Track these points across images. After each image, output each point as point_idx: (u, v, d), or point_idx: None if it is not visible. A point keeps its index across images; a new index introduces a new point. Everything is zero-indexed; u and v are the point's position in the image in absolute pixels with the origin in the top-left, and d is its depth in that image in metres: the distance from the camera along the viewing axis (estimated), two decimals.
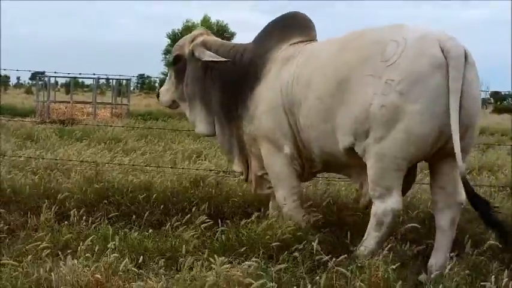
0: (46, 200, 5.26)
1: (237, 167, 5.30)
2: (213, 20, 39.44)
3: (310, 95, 4.41)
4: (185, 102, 5.39)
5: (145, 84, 52.07)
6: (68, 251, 4.00)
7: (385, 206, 4.11)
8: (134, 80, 32.75)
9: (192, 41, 5.30)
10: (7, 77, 73.00)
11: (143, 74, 51.55)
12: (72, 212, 5.01)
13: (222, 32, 36.95)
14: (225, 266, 3.53)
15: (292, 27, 4.99)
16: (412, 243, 4.41)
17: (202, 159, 5.93)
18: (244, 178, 5.34)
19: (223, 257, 3.68)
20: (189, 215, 4.94)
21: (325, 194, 5.63)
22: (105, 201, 5.48)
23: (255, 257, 3.93)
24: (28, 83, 72.63)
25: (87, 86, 35.57)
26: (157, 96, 5.69)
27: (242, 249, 4.21)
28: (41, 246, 4.06)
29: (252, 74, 4.91)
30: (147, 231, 4.57)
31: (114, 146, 9.31)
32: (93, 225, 4.70)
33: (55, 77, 22.86)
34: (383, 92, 3.95)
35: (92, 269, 3.52)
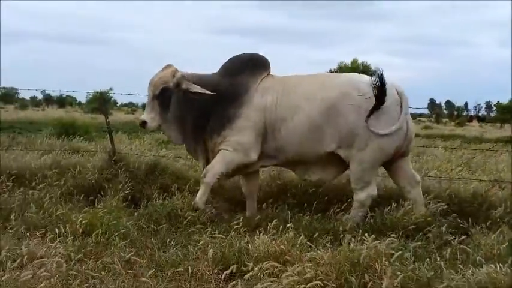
0: (240, 192, 6.85)
1: (201, 163, 6.54)
2: (360, 61, 43.21)
3: (299, 114, 6.08)
4: (166, 124, 6.38)
5: None
6: (260, 229, 5.25)
7: (366, 193, 6.03)
8: None
9: (174, 75, 6.32)
10: None
11: None
12: (260, 200, 6.60)
13: (367, 70, 40.46)
14: (373, 242, 4.33)
15: (260, 65, 6.47)
16: None
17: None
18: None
19: (372, 235, 4.56)
20: (345, 204, 6.25)
21: (448, 189, 6.69)
22: (285, 193, 6.87)
23: (396, 236, 5.02)
24: None
25: None
26: (143, 124, 6.36)
27: (386, 230, 5.42)
28: (241, 225, 5.38)
29: (233, 99, 6.24)
30: (315, 215, 5.91)
31: None
32: (277, 211, 6.16)
33: None
34: (364, 117, 5.85)
35: (277, 242, 4.58)
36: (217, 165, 6.25)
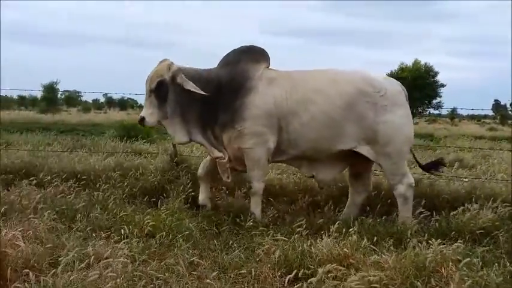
0: (301, 194, 6.85)
1: (216, 153, 6.32)
2: (422, 62, 42.81)
3: (312, 108, 6.04)
4: (166, 119, 6.25)
5: None
6: (322, 232, 5.22)
7: (405, 185, 6.08)
8: None
9: (169, 68, 6.19)
10: None
11: None
12: (323, 203, 6.61)
13: (428, 71, 42.15)
14: (439, 246, 4.27)
15: (259, 55, 6.38)
16: None
17: (416, 167, 6.96)
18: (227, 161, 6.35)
19: (438, 240, 4.46)
20: None
21: None
22: (347, 196, 6.70)
23: (462, 241, 4.91)
24: None
25: None
26: (142, 120, 6.26)
27: (452, 234, 5.34)
28: (303, 227, 5.34)
29: (236, 88, 6.14)
30: (378, 218, 5.86)
31: None
32: (338, 213, 6.14)
33: None
34: (381, 113, 6.02)
35: (340, 245, 4.55)
36: (254, 172, 6.21)
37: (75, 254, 4.16)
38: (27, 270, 3.94)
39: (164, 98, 6.18)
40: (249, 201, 6.41)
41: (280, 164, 7.49)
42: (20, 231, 4.59)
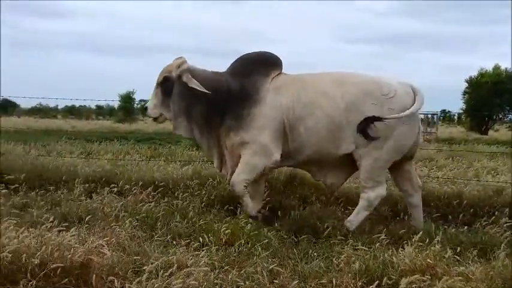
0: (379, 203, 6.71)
1: (215, 163, 6.50)
2: (502, 67, 41.93)
3: (317, 112, 5.97)
4: (170, 114, 6.38)
5: (446, 117, 57.88)
6: (404, 241, 5.09)
7: (376, 193, 5.99)
8: (439, 114, 36.27)
9: (179, 66, 6.25)
10: None
11: (445, 109, 59.71)
12: (402, 212, 6.51)
13: (510, 76, 41.04)
14: None
15: (270, 64, 6.37)
16: None
17: (499, 174, 6.79)
18: (220, 170, 6.55)
19: None
20: (493, 217, 6.00)
21: None
22: (428, 205, 6.65)
23: None
24: None
25: None
26: (145, 109, 6.60)
27: None
28: (382, 237, 5.29)
29: (244, 99, 6.15)
30: (461, 228, 5.73)
31: (428, 164, 10.75)
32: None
33: None
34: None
35: (423, 255, 4.43)
36: (242, 175, 6.17)
37: (158, 262, 4.21)
38: (113, 278, 4.02)
39: (168, 94, 6.33)
40: (326, 208, 6.35)
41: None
42: (104, 239, 4.67)
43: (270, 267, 4.51)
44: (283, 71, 6.44)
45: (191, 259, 4.51)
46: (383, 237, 5.30)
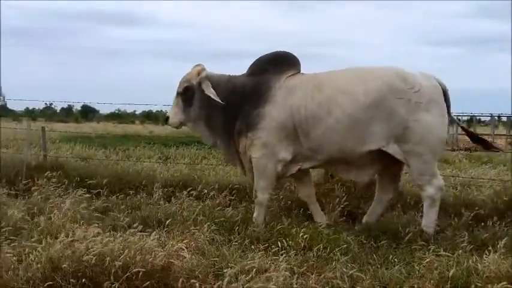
0: (464, 208, 6.56)
1: (239, 169, 6.63)
2: None
3: (335, 110, 5.86)
4: (190, 122, 6.50)
5: None
6: (488, 248, 4.88)
7: (434, 187, 5.86)
8: None
9: (198, 74, 6.33)
10: None
11: None
12: (486, 217, 6.29)
13: None
14: None
15: (285, 63, 6.32)
16: None
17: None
18: (243, 173, 6.59)
19: None
20: None
21: None
22: None
23: None
24: None
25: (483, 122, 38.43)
26: (166, 119, 6.60)
27: None
28: (465, 242, 5.19)
29: (256, 98, 6.15)
30: None
31: None
32: (506, 229, 5.84)
33: None
34: (415, 110, 5.75)
35: (509, 262, 4.35)
36: (260, 182, 6.22)
37: (237, 266, 4.22)
38: (194, 281, 4.06)
39: (189, 102, 6.43)
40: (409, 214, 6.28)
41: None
42: (183, 242, 4.72)
43: (350, 273, 4.46)
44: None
45: (270, 263, 4.50)
46: (465, 243, 5.19)
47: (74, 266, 4.11)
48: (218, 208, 6.50)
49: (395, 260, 5.01)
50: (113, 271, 4.08)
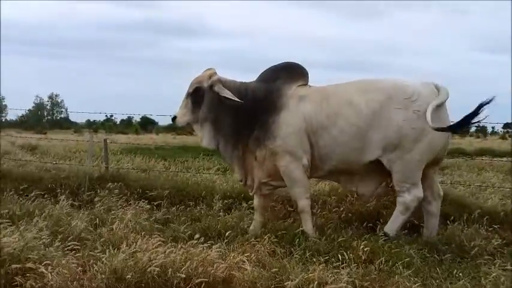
0: None
1: (237, 174, 6.61)
2: None
3: (340, 121, 6.01)
4: (197, 123, 6.47)
5: None
6: None
7: (412, 196, 5.94)
8: None
9: (210, 77, 6.33)
10: None
11: None
12: None
13: None
14: None
15: (295, 73, 6.42)
16: None
17: None
18: (244, 183, 6.58)
19: None
20: None
21: None
22: None
23: None
24: None
25: None
26: (174, 119, 6.56)
27: None
28: None
29: (268, 106, 6.23)
30: None
31: None
32: None
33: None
34: (412, 119, 5.85)
35: None
36: (295, 190, 6.27)
37: (301, 280, 4.20)
38: None
39: (198, 104, 6.44)
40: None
41: (502, 188, 7.10)
42: (244, 255, 4.72)
43: (413, 287, 4.39)
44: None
45: (331, 276, 4.46)
46: None
47: (137, 277, 4.17)
48: (278, 220, 6.48)
49: (460, 274, 4.90)
50: (175, 282, 4.12)
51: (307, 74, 6.56)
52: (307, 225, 6.17)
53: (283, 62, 6.61)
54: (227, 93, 6.27)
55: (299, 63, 6.61)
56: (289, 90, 6.33)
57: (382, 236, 5.76)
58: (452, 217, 6.70)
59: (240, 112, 6.32)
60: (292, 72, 6.47)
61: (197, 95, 6.46)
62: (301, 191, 6.28)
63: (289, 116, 6.21)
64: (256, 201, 6.62)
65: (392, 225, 6.03)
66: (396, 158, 5.97)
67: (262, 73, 6.61)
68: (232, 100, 6.23)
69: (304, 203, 6.24)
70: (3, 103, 68.85)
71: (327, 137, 6.12)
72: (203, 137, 6.56)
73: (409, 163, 5.97)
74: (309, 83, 6.53)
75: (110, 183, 8.30)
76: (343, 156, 6.13)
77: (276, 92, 6.33)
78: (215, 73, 6.49)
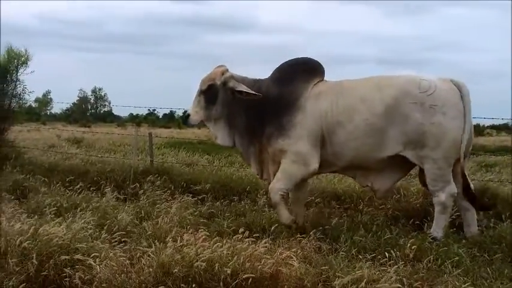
0: None
1: (253, 169, 6.60)
2: None
3: (356, 117, 5.95)
4: (210, 121, 6.46)
5: None
6: None
7: (446, 193, 5.88)
8: None
9: (222, 74, 6.28)
10: None
11: None
12: None
13: None
14: None
15: (312, 71, 6.34)
16: None
17: None
18: (260, 177, 6.64)
19: None
20: None
21: None
22: None
23: None
24: None
25: None
26: (187, 117, 6.61)
27: None
28: None
29: (285, 107, 6.14)
30: None
31: None
32: None
33: None
34: (430, 113, 5.80)
35: None
36: (279, 183, 6.17)
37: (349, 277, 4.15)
38: None
39: (211, 101, 6.41)
40: None
41: None
42: (291, 250, 4.69)
43: (463, 287, 4.31)
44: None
45: (379, 274, 4.39)
46: None
47: (184, 271, 4.16)
48: (324, 216, 6.44)
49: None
50: (222, 277, 4.10)
51: (323, 70, 6.48)
52: (283, 216, 6.16)
53: (298, 58, 6.53)
54: (244, 88, 6.26)
55: (314, 58, 6.52)
56: (305, 91, 6.24)
57: (429, 234, 5.67)
58: (502, 216, 6.56)
59: (254, 109, 6.29)
60: (309, 71, 6.38)
61: (210, 93, 6.43)
62: (283, 188, 6.21)
63: (305, 118, 6.15)
64: (291, 194, 6.61)
65: (437, 227, 5.93)
66: (425, 157, 5.92)
67: (278, 69, 6.51)
68: (249, 94, 6.21)
69: (277, 198, 6.18)
70: (49, 97, 70.05)
71: (341, 132, 6.06)
72: (217, 134, 6.57)
73: (437, 161, 5.91)
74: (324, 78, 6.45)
75: (155, 177, 8.36)
76: (357, 152, 6.08)
77: (293, 93, 6.23)
78: (227, 70, 6.47)
